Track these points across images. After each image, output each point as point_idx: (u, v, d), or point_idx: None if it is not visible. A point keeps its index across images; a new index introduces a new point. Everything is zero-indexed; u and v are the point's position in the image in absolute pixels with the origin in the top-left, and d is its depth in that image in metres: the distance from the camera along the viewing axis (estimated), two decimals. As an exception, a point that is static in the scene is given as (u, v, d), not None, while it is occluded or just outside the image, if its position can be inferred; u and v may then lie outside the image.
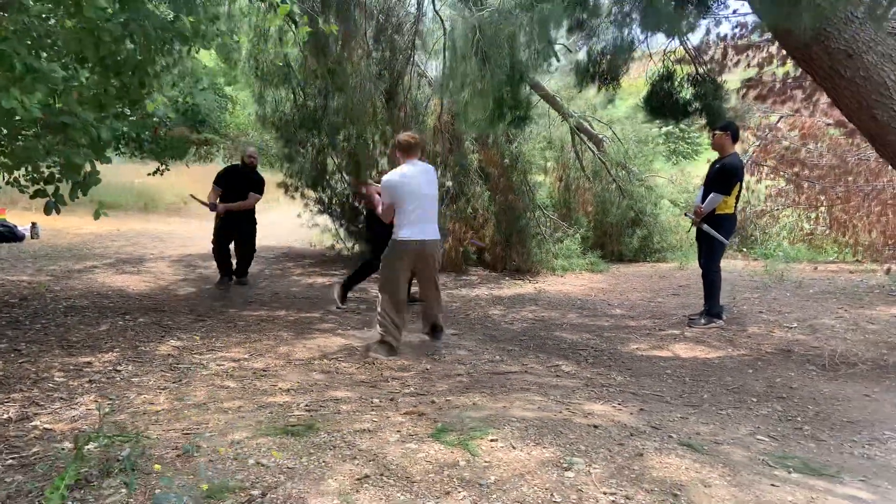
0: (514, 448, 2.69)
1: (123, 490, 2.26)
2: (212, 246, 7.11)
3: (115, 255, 8.86)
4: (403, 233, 4.69)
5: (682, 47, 6.21)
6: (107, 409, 3.25)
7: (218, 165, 22.25)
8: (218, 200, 6.92)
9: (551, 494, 2.30)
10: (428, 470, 2.47)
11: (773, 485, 2.51)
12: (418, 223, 4.69)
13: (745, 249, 10.64)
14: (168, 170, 6.51)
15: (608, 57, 6.02)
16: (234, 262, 7.31)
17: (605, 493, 2.32)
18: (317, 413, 3.22)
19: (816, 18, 3.77)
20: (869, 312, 6.00)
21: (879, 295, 6.77)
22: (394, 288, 4.78)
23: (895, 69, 4.12)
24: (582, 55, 6.16)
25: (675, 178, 11.77)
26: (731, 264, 9.16)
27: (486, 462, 2.55)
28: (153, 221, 13.29)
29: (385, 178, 4.79)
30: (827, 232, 10.16)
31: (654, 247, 10.23)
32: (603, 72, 6.13)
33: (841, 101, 4.40)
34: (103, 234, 10.86)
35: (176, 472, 2.41)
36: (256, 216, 7.32)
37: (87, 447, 2.62)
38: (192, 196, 7.38)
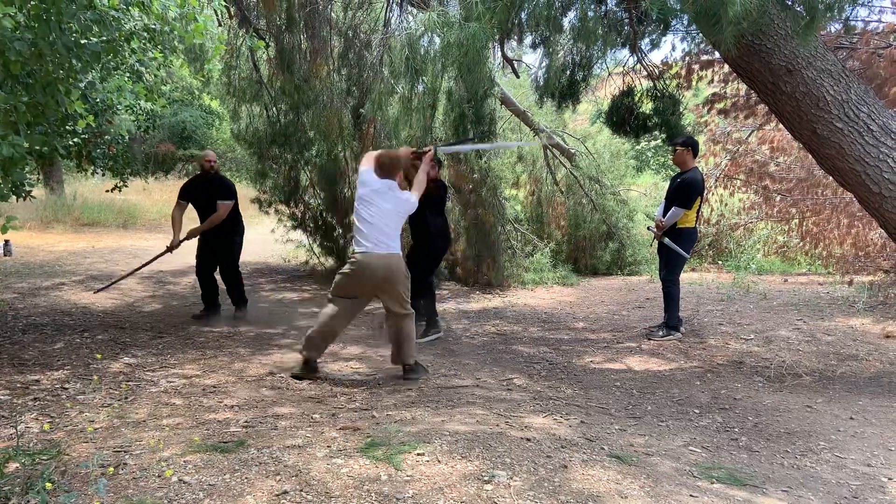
0: (439, 462, 2.71)
1: (38, 508, 2.27)
2: (196, 271, 6.47)
3: (86, 272, 8.84)
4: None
5: (640, 64, 6.29)
6: (45, 427, 3.26)
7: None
8: (182, 218, 6.29)
9: (466, 507, 2.32)
10: (348, 485, 2.49)
11: (691, 495, 2.55)
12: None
13: (719, 262, 10.72)
14: (126, 186, 6.51)
15: (567, 73, 6.09)
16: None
17: (519, 506, 2.35)
18: (253, 429, 3.23)
19: (738, 36, 3.85)
20: (827, 324, 6.07)
21: (842, 307, 6.84)
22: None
23: (833, 84, 4.21)
24: (541, 72, 6.22)
25: (649, 191, 11.87)
26: (703, 277, 9.23)
27: (408, 476, 2.57)
28: (130, 238, 13.26)
29: None
30: (800, 244, 10.26)
31: (626, 260, 10.29)
32: (563, 88, 6.20)
33: (783, 116, 4.48)
34: (77, 250, 10.83)
35: (97, 490, 2.41)
36: (243, 226, 6.61)
37: (14, 465, 2.64)
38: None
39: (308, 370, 4.50)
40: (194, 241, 6.38)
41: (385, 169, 4.46)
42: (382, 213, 4.39)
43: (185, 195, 6.38)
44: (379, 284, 4.42)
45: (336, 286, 4.49)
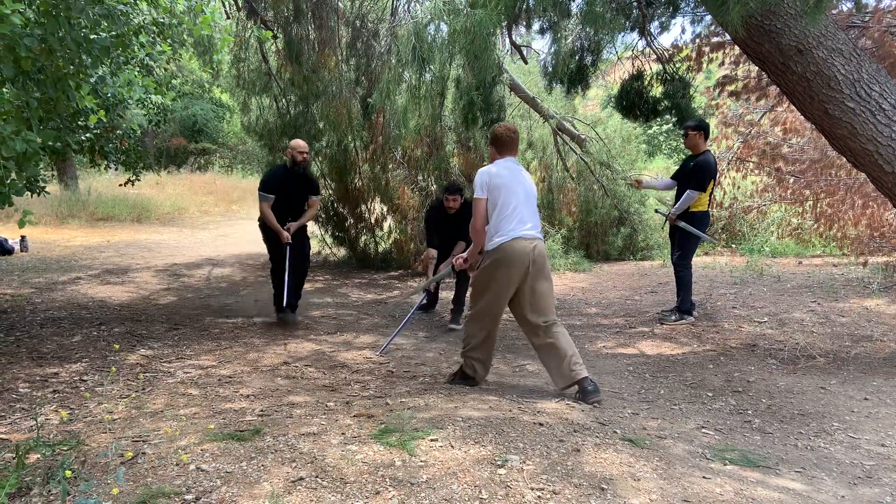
0: (452, 447, 2.73)
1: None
2: (273, 272, 6.06)
3: (102, 266, 8.93)
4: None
5: (649, 47, 6.25)
6: (63, 416, 3.31)
7: (215, 175, 22.43)
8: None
9: (479, 491, 2.35)
10: (363, 471, 2.52)
11: (704, 477, 2.55)
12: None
13: (732, 245, 10.65)
14: (139, 180, 6.56)
15: (576, 59, 6.06)
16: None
17: (532, 489, 2.37)
18: (268, 418, 3.27)
19: (746, 17, 3.81)
20: (841, 305, 6.03)
21: (856, 288, 6.78)
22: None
23: (845, 63, 4.16)
24: (550, 58, 6.20)
25: (661, 175, 11.80)
26: (716, 260, 9.18)
27: (422, 462, 2.60)
28: (144, 232, 13.36)
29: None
30: (814, 226, 10.17)
31: (638, 245, 10.26)
32: (572, 74, 6.17)
33: (794, 96, 4.44)
34: (93, 245, 10.94)
35: (116, 478, 2.46)
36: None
37: (35, 456, 2.69)
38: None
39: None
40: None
41: (505, 144, 3.85)
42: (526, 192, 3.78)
43: (274, 190, 5.71)
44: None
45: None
